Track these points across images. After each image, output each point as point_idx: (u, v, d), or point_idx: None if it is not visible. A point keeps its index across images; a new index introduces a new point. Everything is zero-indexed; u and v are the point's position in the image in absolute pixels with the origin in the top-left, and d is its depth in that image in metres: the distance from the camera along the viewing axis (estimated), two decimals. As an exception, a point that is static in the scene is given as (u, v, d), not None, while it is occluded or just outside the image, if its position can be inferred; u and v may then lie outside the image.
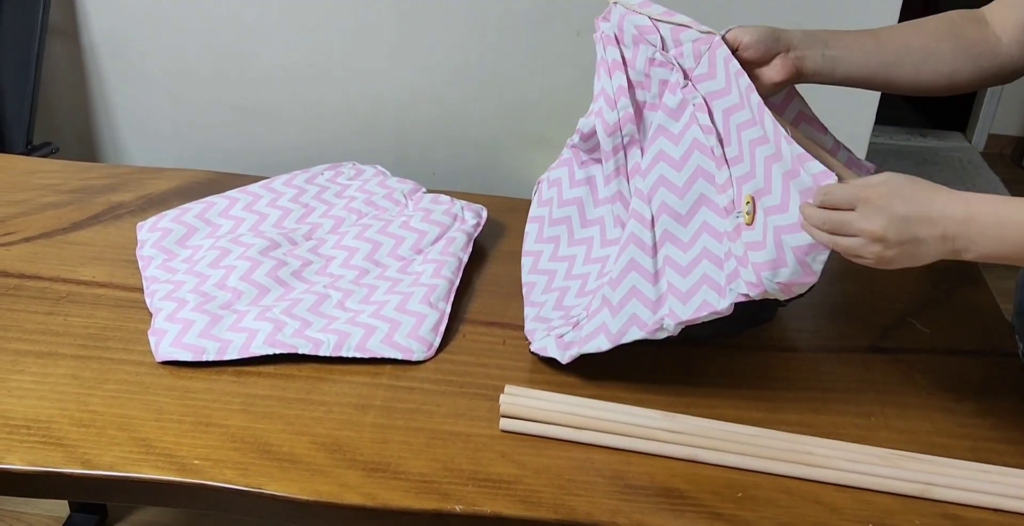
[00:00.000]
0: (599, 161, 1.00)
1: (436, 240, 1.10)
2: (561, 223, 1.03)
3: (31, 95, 1.65)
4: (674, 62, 0.89)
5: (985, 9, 0.92)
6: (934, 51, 0.89)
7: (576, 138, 1.00)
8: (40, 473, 0.78)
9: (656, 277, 0.87)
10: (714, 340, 0.97)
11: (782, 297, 0.83)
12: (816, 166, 0.76)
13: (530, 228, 1.06)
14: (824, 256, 0.78)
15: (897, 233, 0.71)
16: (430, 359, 0.93)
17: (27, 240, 1.10)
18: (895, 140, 3.27)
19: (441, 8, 1.60)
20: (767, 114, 0.81)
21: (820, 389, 0.92)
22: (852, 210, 0.73)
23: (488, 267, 1.10)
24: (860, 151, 1.71)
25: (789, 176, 0.79)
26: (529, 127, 1.71)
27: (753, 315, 0.96)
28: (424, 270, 1.04)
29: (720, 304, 0.83)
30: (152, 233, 1.09)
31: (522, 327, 0.98)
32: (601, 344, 0.87)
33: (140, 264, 1.05)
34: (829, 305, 1.07)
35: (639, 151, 0.93)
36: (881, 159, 3.10)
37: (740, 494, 0.78)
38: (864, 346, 0.99)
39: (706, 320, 0.85)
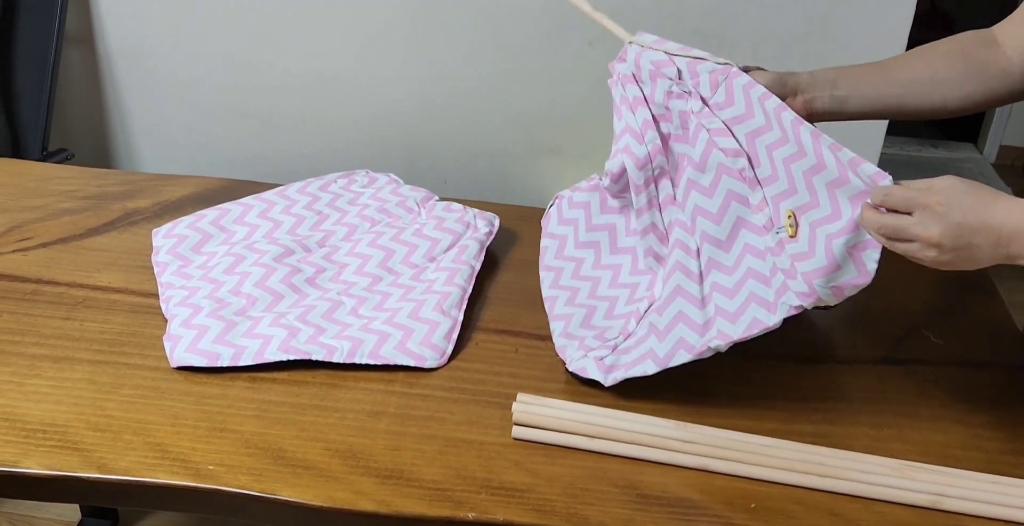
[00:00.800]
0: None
1: (449, 248, 1.10)
2: (588, 247, 1.03)
3: (47, 102, 1.66)
4: (691, 90, 0.91)
5: (996, 28, 0.92)
6: (943, 79, 0.89)
7: (606, 181, 0.99)
8: (56, 477, 0.78)
9: (703, 302, 0.88)
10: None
11: (834, 302, 0.83)
12: (870, 167, 0.77)
13: (549, 244, 1.06)
14: (877, 254, 0.78)
15: (953, 240, 0.72)
16: (443, 366, 0.94)
17: (44, 246, 1.11)
18: (907, 151, 3.27)
19: (454, 18, 1.61)
20: (803, 127, 0.82)
21: (833, 400, 0.92)
22: (910, 214, 0.74)
23: (500, 275, 1.11)
24: (872, 161, 1.71)
25: (835, 185, 0.80)
26: (541, 136, 1.71)
27: None
28: (437, 278, 1.05)
29: (771, 320, 0.83)
30: (167, 239, 1.10)
31: (535, 335, 0.98)
32: (648, 368, 0.87)
33: (155, 270, 1.06)
34: (842, 316, 1.07)
35: (669, 182, 0.94)
36: (893, 170, 3.07)
37: (753, 505, 0.78)
38: (877, 357, 0.99)
39: (756, 336, 0.85)
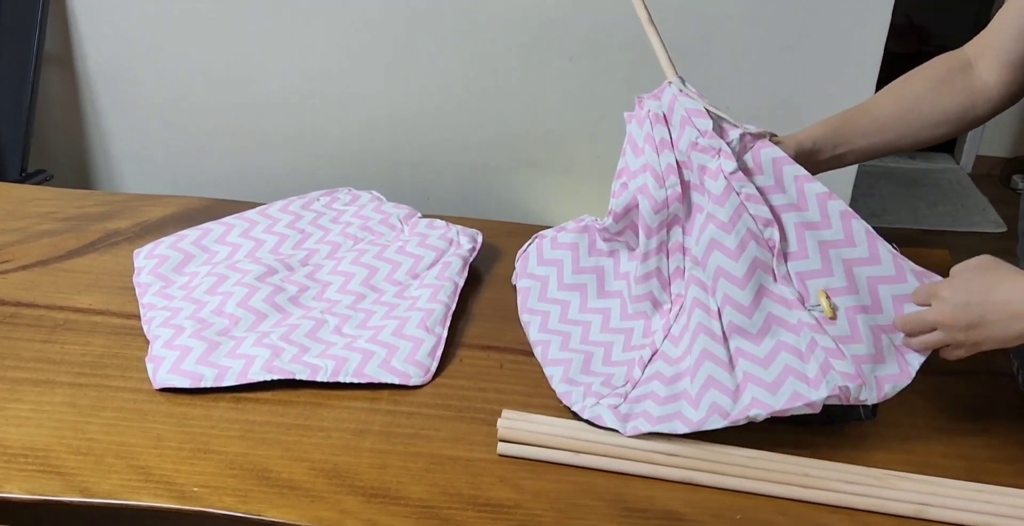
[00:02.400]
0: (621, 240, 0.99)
1: (432, 265, 1.10)
2: (574, 289, 1.01)
3: (26, 123, 1.66)
4: (720, 147, 0.89)
5: (968, 49, 0.94)
6: (930, 120, 0.92)
7: (608, 220, 0.97)
8: (38, 502, 0.77)
9: (731, 365, 0.87)
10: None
11: (873, 398, 0.83)
12: (916, 267, 0.81)
13: (530, 285, 1.03)
14: (918, 357, 0.83)
15: (962, 316, 0.78)
16: (427, 384, 0.94)
17: (23, 268, 1.11)
18: (884, 162, 3.30)
19: (436, 35, 1.62)
20: (856, 221, 0.85)
21: (816, 410, 0.92)
22: (929, 305, 0.81)
23: (484, 291, 1.11)
24: (850, 173, 1.72)
25: (882, 281, 0.83)
26: (522, 152, 1.72)
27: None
28: (420, 295, 1.05)
29: (813, 395, 0.82)
30: (148, 260, 1.10)
31: (519, 350, 0.98)
32: (677, 428, 0.84)
33: (137, 291, 1.06)
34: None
35: (680, 230, 0.94)
36: (872, 181, 3.12)
37: (739, 516, 0.79)
38: (858, 367, 1.00)
39: (798, 412, 0.84)
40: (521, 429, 0.85)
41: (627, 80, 1.61)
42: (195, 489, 0.78)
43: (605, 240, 1.01)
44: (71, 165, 1.87)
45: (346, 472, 0.81)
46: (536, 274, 1.04)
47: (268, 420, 0.87)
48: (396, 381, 0.93)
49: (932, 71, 0.93)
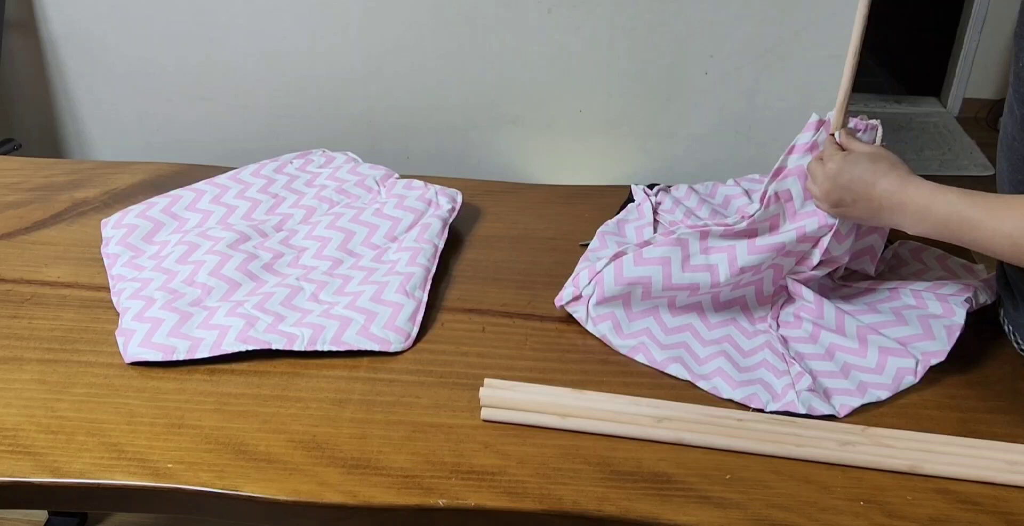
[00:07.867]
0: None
1: (411, 227, 1.07)
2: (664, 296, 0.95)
3: (-11, 91, 1.60)
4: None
5: None
6: None
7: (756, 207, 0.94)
8: (8, 483, 0.75)
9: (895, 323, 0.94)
10: None
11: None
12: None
13: (612, 308, 0.94)
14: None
15: (836, 194, 0.86)
16: (408, 349, 0.91)
17: (-12, 241, 1.07)
18: (870, 107, 3.26)
19: (407, -12, 1.56)
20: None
21: (806, 365, 0.90)
22: (822, 161, 0.89)
23: (465, 252, 1.08)
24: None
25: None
26: (502, 108, 1.68)
27: None
28: (399, 258, 1.02)
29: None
30: (117, 230, 1.06)
31: (502, 313, 0.96)
32: (881, 395, 0.86)
33: (106, 262, 1.02)
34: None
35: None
36: (858, 128, 3.08)
37: (728, 476, 0.77)
38: (848, 320, 0.98)
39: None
40: (505, 398, 0.83)
41: (607, 31, 1.56)
42: (169, 465, 0.76)
43: (723, 236, 0.95)
44: (40, 133, 1.81)
45: (325, 443, 0.79)
46: (615, 295, 0.94)
47: (244, 392, 0.85)
48: (376, 348, 0.90)
49: None
